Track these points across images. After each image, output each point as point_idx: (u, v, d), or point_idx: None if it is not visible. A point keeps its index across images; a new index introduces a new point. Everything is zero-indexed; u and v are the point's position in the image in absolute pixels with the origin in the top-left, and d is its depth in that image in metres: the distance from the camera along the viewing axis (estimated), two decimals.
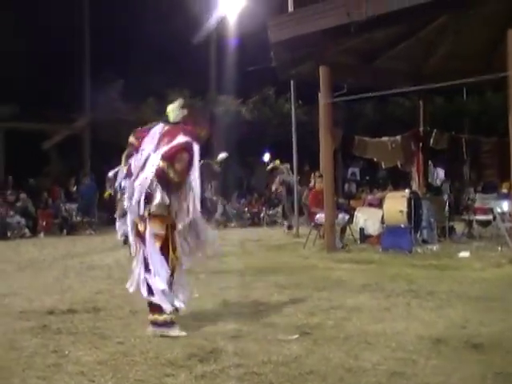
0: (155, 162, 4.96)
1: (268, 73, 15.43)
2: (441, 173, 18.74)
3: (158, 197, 4.92)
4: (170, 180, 4.95)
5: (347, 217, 12.07)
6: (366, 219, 12.06)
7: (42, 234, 16.97)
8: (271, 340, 4.78)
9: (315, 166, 12.89)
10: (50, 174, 21.96)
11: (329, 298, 6.54)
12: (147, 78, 21.62)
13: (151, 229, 4.94)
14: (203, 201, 14.12)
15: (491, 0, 9.78)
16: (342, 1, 10.24)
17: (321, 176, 12.05)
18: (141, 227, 5.00)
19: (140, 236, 5.02)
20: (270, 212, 20.83)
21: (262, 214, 21.15)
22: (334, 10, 10.22)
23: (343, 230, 11.88)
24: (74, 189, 20.25)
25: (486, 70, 10.14)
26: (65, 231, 17.77)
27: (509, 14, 9.29)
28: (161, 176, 4.93)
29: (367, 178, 25.56)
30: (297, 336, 4.86)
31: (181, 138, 5.04)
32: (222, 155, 15.91)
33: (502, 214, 10.63)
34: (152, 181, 4.92)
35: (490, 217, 11.48)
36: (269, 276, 8.29)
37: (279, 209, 19.33)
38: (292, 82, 15.14)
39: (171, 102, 5.34)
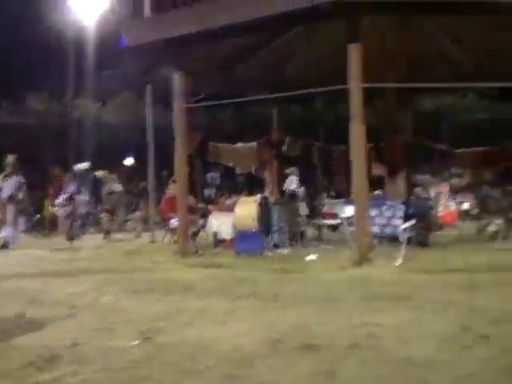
0: None
1: (129, 76, 15.28)
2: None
3: None
4: None
5: (201, 221, 12.22)
6: (220, 224, 12.20)
7: None
8: (112, 346, 4.77)
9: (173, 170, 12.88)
10: None
11: (177, 303, 6.59)
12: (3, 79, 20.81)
13: None
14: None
15: (332, 18, 10.03)
16: (193, 10, 10.28)
17: (175, 181, 12.07)
18: None
19: None
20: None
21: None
22: (186, 18, 10.27)
23: (195, 234, 11.99)
24: None
25: (340, 82, 10.38)
26: None
27: (350, 30, 9.68)
28: None
29: (226, 182, 25.86)
30: (138, 342, 4.87)
31: None
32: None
33: (347, 218, 11.10)
34: None
35: (338, 221, 12.00)
36: (120, 281, 8.23)
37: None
38: (148, 87, 15.05)
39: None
